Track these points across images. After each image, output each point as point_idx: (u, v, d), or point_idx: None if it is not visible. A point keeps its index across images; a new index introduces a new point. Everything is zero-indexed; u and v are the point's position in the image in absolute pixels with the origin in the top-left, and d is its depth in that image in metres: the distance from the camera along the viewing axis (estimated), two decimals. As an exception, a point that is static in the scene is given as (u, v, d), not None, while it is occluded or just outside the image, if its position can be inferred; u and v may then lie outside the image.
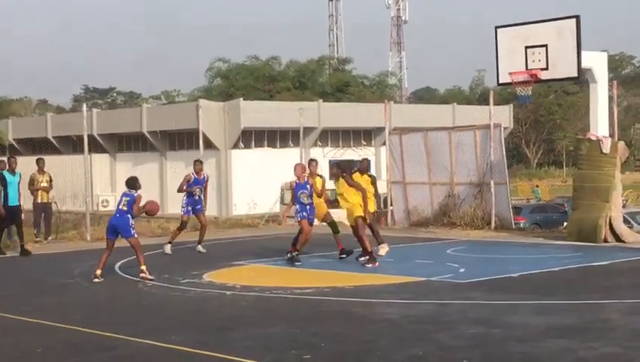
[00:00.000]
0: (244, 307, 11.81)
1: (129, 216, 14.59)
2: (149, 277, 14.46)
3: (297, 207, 16.13)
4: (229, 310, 11.63)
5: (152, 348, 9.13)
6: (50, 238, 22.04)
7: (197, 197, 18.77)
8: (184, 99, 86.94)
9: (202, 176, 19.01)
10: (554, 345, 8.83)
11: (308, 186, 16.18)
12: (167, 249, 18.58)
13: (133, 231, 14.62)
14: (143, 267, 14.63)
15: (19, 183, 19.46)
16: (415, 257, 17.04)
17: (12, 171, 19.47)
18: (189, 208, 18.75)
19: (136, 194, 14.72)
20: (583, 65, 19.13)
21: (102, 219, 35.92)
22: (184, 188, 18.75)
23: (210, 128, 43.78)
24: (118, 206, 14.75)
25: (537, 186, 57.48)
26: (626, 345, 8.78)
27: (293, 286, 13.33)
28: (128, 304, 12.34)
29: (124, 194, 14.81)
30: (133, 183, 14.93)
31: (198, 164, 19.15)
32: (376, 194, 17.21)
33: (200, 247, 18.92)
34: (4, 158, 20.21)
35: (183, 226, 18.93)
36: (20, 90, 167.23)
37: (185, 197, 18.83)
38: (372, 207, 16.09)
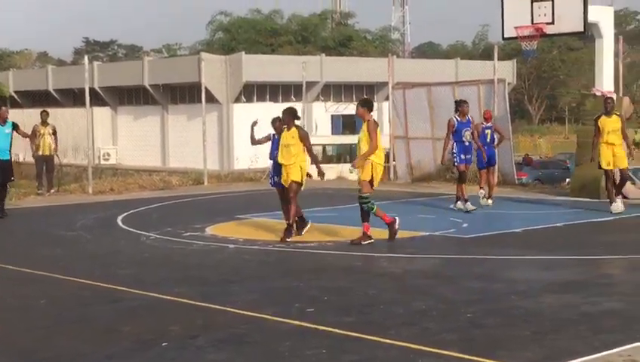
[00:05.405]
0: (247, 260, 11.82)
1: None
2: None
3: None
4: (232, 263, 11.63)
5: (155, 300, 9.13)
6: (52, 191, 22.06)
7: (467, 143, 16.88)
8: (185, 52, 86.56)
9: (467, 119, 16.91)
10: (557, 300, 8.81)
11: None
12: (466, 206, 16.58)
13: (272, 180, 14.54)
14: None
15: (10, 135, 17.52)
16: (418, 212, 17.00)
17: (3, 121, 17.50)
18: (462, 156, 16.81)
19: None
20: (589, 19, 18.92)
21: (103, 173, 35.99)
22: (450, 134, 16.72)
23: (212, 82, 43.60)
24: None
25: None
26: (630, 300, 8.77)
27: (295, 240, 13.33)
28: (131, 257, 12.32)
29: None
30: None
31: (463, 105, 16.99)
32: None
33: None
34: None
35: (462, 177, 16.82)
36: (20, 43, 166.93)
37: (454, 146, 16.84)
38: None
